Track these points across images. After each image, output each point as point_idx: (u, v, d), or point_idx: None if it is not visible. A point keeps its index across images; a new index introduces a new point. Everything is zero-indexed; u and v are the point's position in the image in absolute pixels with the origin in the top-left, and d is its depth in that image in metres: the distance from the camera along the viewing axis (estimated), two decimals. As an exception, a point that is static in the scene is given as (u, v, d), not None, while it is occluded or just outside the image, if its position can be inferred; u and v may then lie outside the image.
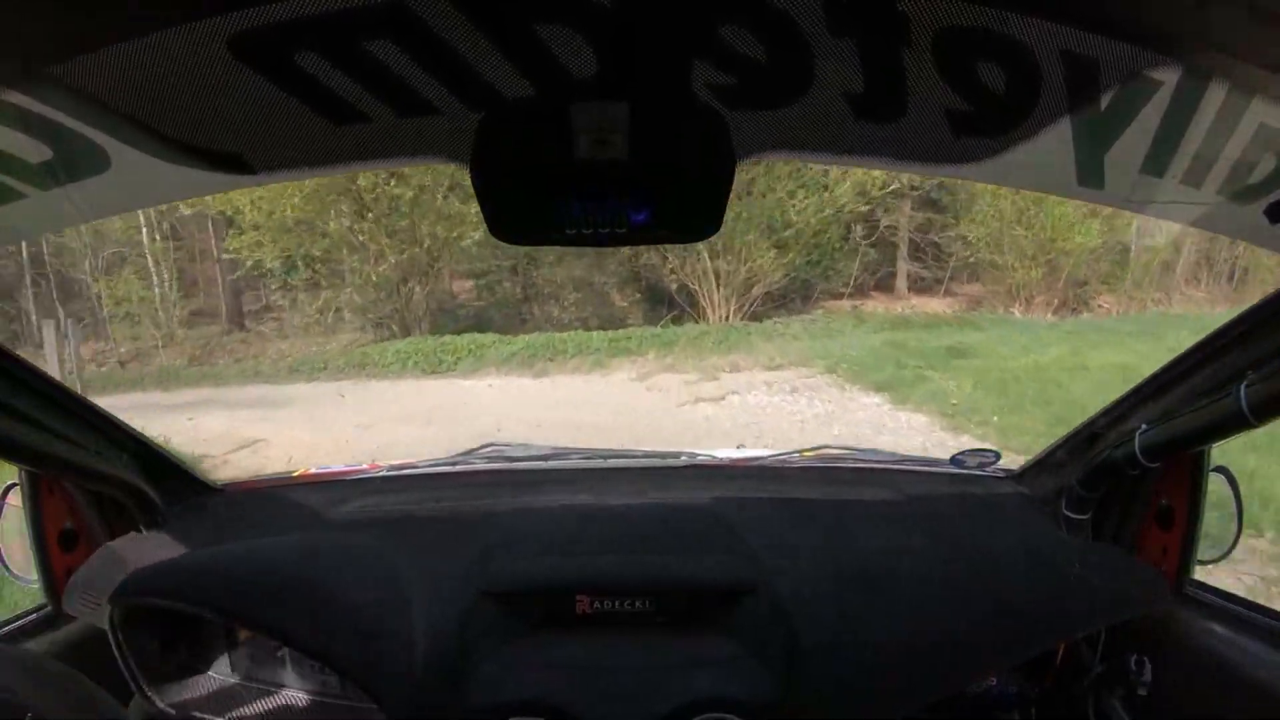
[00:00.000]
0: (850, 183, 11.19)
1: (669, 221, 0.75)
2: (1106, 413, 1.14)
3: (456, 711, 0.91)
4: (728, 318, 11.70)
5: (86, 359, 14.19)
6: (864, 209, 12.05)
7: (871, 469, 1.43)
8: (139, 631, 1.01)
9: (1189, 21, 0.52)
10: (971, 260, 12.86)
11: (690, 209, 0.75)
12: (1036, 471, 1.31)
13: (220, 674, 1.11)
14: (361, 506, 1.29)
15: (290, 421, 7.47)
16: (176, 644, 1.10)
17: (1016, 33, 0.55)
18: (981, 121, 0.65)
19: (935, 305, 13.04)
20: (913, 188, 12.22)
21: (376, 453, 4.95)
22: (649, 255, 12.23)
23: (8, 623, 1.10)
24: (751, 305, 11.88)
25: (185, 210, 12.81)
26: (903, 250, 13.54)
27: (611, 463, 1.49)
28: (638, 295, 13.96)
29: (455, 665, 0.94)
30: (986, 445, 1.71)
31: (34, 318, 14.59)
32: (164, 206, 11.98)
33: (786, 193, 11.24)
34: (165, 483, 1.21)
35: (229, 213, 11.73)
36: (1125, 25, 0.53)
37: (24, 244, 14.26)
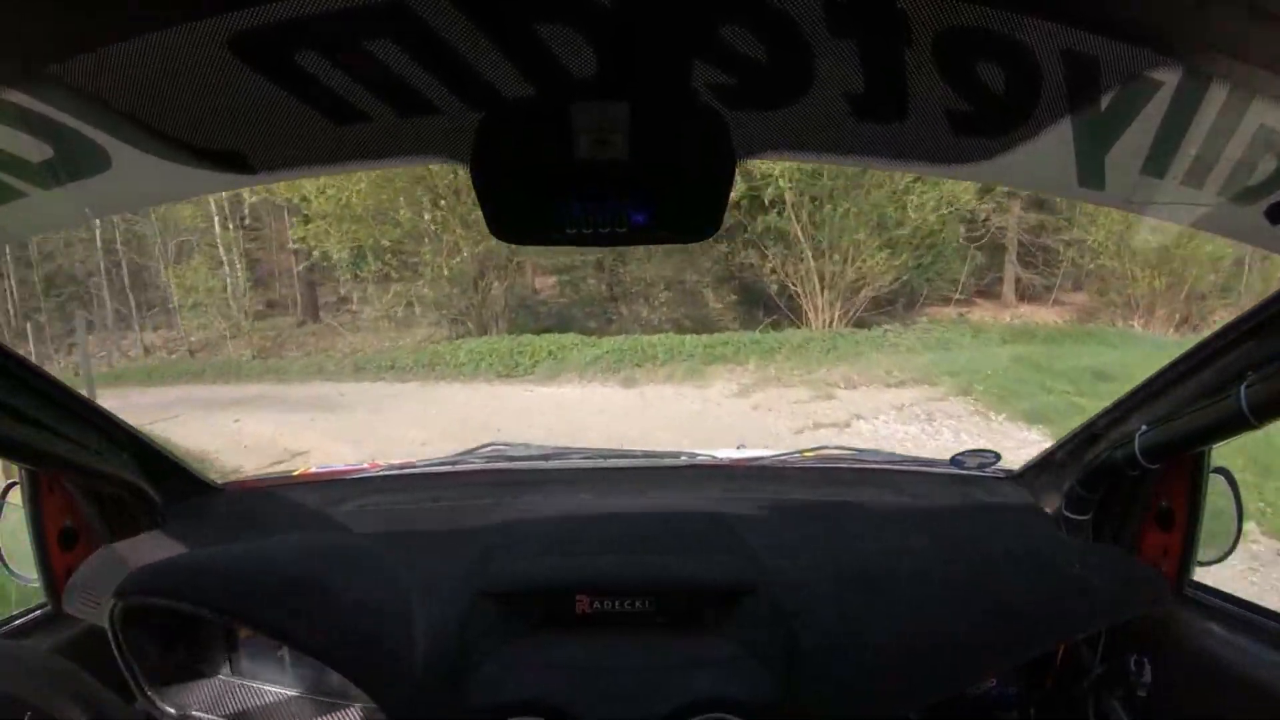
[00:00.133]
0: (969, 176, 10.52)
1: (669, 221, 0.75)
2: (1107, 413, 1.14)
3: (456, 711, 0.91)
4: (831, 324, 10.73)
5: (158, 346, 14.33)
6: (986, 206, 11.17)
7: (871, 469, 1.43)
8: (139, 631, 1.01)
9: (1189, 22, 0.52)
10: (1090, 267, 11.82)
11: (690, 209, 0.75)
12: (1036, 472, 1.30)
13: (220, 674, 1.11)
14: (361, 506, 1.29)
15: (342, 430, 6.88)
16: (176, 643, 1.10)
17: (1017, 33, 0.55)
18: (982, 122, 0.65)
19: (1044, 315, 12.09)
20: (1027, 185, 11.54)
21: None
22: (747, 253, 11.47)
23: (8, 621, 1.10)
24: (856, 310, 10.93)
25: (252, 197, 12.43)
26: (1011, 254, 12.55)
27: (611, 463, 1.49)
28: (733, 296, 13.00)
29: (455, 665, 0.94)
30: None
31: (108, 303, 14.70)
32: (236, 193, 11.72)
33: (902, 186, 10.17)
34: (165, 482, 1.21)
35: (295, 200, 11.12)
36: (1126, 25, 0.53)
37: (98, 230, 14.34)
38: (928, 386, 7.41)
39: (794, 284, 11.05)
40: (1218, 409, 0.88)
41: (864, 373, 8.07)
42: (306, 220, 11.13)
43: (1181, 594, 1.08)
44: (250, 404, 8.56)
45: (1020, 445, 5.51)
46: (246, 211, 13.65)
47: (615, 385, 8.50)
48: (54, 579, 1.11)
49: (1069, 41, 0.55)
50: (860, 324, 10.65)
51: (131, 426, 1.16)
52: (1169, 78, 0.56)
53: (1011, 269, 12.68)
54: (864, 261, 10.52)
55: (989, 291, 12.97)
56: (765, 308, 11.89)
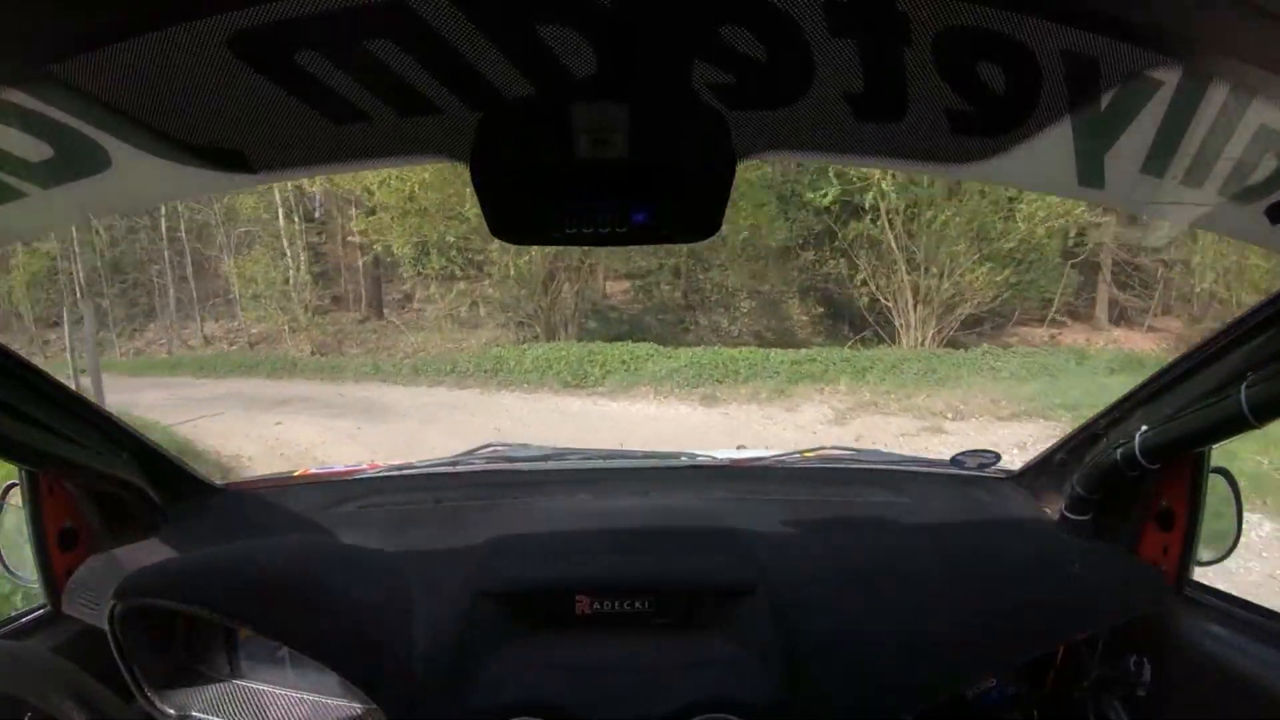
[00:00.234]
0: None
1: (669, 221, 0.75)
2: (1107, 414, 1.14)
3: (456, 712, 0.91)
4: (923, 342, 9.87)
5: (218, 336, 14.27)
6: (1101, 219, 10.05)
7: (871, 469, 1.43)
8: (139, 632, 1.01)
9: (1189, 22, 0.52)
10: (1196, 290, 10.58)
11: (690, 209, 0.75)
12: (1037, 472, 1.30)
13: (220, 674, 1.11)
14: (361, 506, 1.29)
15: (386, 444, 6.26)
16: (176, 644, 1.10)
17: (1016, 33, 0.55)
18: (982, 121, 0.65)
19: (1139, 341, 11.10)
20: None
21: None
22: (836, 263, 10.85)
23: (8, 622, 1.10)
24: (950, 329, 10.06)
25: (314, 187, 12.01)
26: (1105, 273, 11.47)
27: (611, 463, 1.49)
28: (818, 308, 12.15)
29: (455, 665, 0.94)
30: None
31: (171, 292, 14.76)
32: (300, 184, 11.45)
33: (1008, 195, 9.25)
34: (165, 482, 1.21)
35: (358, 192, 10.74)
36: (1125, 25, 0.53)
37: (162, 220, 14.40)
38: (1043, 421, 6.52)
39: (885, 298, 10.16)
40: (1218, 409, 0.88)
41: (968, 401, 7.11)
42: (371, 212, 10.66)
43: (1181, 594, 1.08)
44: (297, 405, 8.30)
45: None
46: (319, 203, 13.37)
47: (694, 403, 7.64)
48: (54, 579, 1.11)
49: (1069, 41, 0.55)
50: (952, 343, 9.84)
51: (131, 427, 1.16)
52: (1169, 77, 0.56)
53: (1105, 289, 11.65)
54: (962, 276, 9.61)
55: (1079, 313, 12.12)
56: (851, 322, 11.19)
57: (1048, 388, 7.44)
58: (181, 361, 13.03)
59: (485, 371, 9.46)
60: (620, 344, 9.62)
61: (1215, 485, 1.07)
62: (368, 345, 12.41)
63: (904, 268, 9.81)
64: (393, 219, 10.20)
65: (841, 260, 10.74)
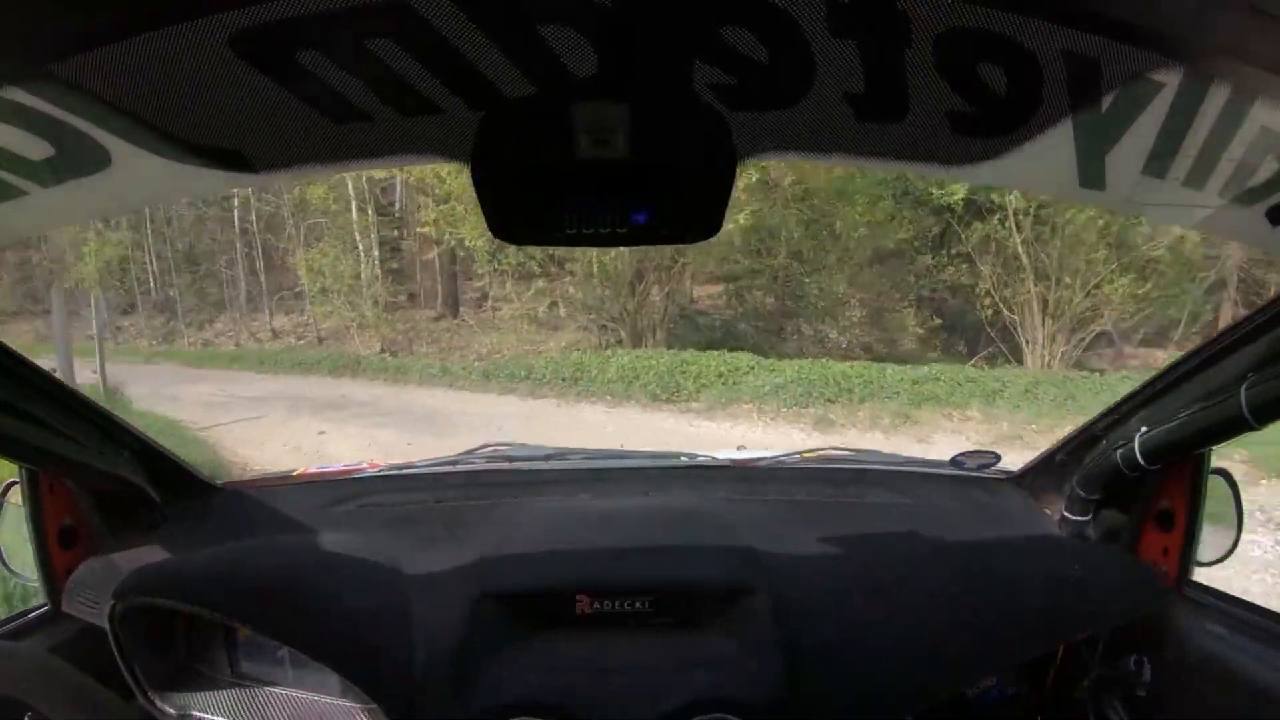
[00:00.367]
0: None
1: (669, 222, 0.75)
2: (1107, 415, 1.14)
3: (457, 712, 0.91)
4: (1050, 362, 8.78)
5: (287, 330, 14.06)
6: None
7: (871, 470, 1.43)
8: (139, 631, 1.01)
9: (1190, 23, 0.52)
10: None
11: (690, 209, 0.75)
12: (1037, 473, 1.30)
13: (220, 674, 1.11)
14: (361, 506, 1.29)
15: None
16: (176, 644, 1.10)
17: (1018, 34, 0.55)
18: (983, 122, 0.65)
19: None
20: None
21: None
22: (957, 270, 9.77)
23: (8, 621, 1.10)
24: (1078, 348, 8.98)
25: (391, 176, 11.62)
26: (1230, 288, 10.03)
27: (611, 463, 1.49)
28: (936, 319, 10.94)
29: (455, 665, 0.94)
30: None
31: (242, 284, 14.67)
32: (373, 175, 10.95)
33: None
34: (165, 481, 1.21)
35: (430, 179, 9.95)
36: (1127, 26, 0.53)
37: (234, 209, 14.23)
38: (1230, 462, 5.02)
39: (1011, 310, 9.00)
40: (1218, 410, 0.88)
41: None
42: (444, 200, 9.73)
43: (1181, 594, 1.08)
44: (349, 410, 7.72)
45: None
46: (400, 194, 12.83)
47: (806, 426, 6.62)
48: (54, 579, 1.11)
49: (1070, 42, 0.55)
50: (1077, 365, 8.79)
51: (132, 426, 1.16)
52: (1170, 79, 0.56)
53: (1229, 308, 10.11)
54: (1099, 288, 8.39)
55: (1201, 333, 10.70)
56: (966, 337, 10.13)
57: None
58: (243, 354, 12.68)
59: (564, 380, 8.43)
60: (715, 353, 8.53)
61: (1215, 486, 1.08)
62: (439, 345, 11.84)
63: (1031, 278, 8.72)
64: (466, 209, 9.27)
65: (963, 266, 9.60)
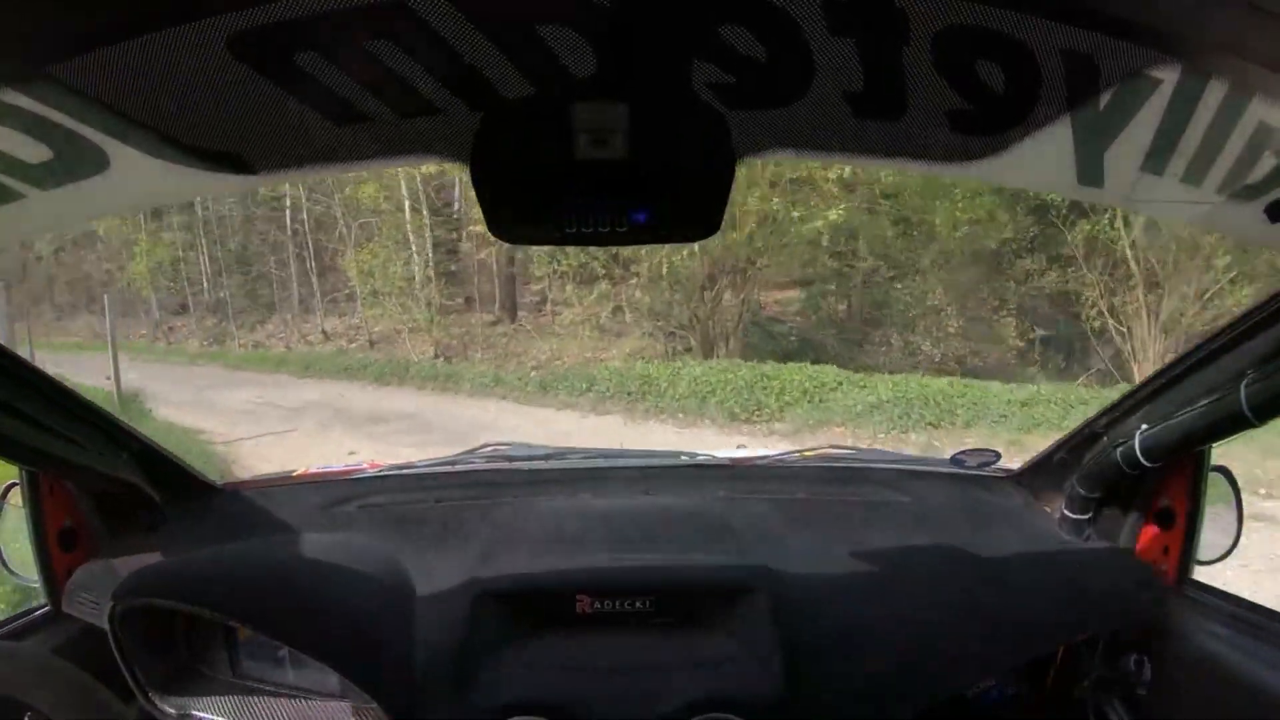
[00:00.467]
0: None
1: (669, 221, 0.75)
2: (1107, 413, 1.14)
3: (457, 711, 0.91)
4: None
5: (339, 333, 13.62)
6: None
7: (872, 469, 1.43)
8: (139, 631, 1.01)
9: (1188, 19, 0.52)
10: None
11: (690, 209, 0.75)
12: (1037, 472, 1.30)
13: (220, 674, 1.11)
14: (361, 506, 1.29)
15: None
16: (176, 644, 1.10)
17: (1016, 31, 0.55)
18: (981, 120, 0.65)
19: None
20: None
21: None
22: (1062, 274, 8.71)
23: (8, 622, 1.10)
24: None
25: (433, 174, 11.12)
26: None
27: (611, 462, 1.49)
28: (1037, 331, 9.76)
29: (455, 665, 0.94)
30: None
31: (294, 285, 14.44)
32: (428, 173, 10.61)
33: None
34: (165, 482, 1.21)
35: None
36: (1125, 24, 0.53)
37: (287, 215, 14.01)
38: None
39: (1119, 321, 7.95)
40: (1218, 408, 0.88)
41: (1273, 470, 5.01)
42: None
43: (1181, 593, 1.08)
44: (389, 425, 7.16)
45: None
46: (458, 196, 12.29)
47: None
48: (54, 579, 1.11)
49: (1068, 40, 0.55)
50: None
51: (132, 427, 1.16)
52: (1168, 76, 0.56)
53: None
54: (1225, 299, 7.25)
55: None
56: (1069, 349, 9.09)
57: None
58: (289, 358, 12.21)
59: (629, 394, 7.49)
60: (796, 366, 7.57)
61: (1215, 484, 1.07)
62: (495, 350, 11.18)
63: (1141, 286, 7.75)
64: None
65: (1067, 271, 8.50)
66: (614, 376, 8.07)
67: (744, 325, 9.41)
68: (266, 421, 7.55)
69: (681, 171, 0.71)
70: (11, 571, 1.14)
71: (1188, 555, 1.08)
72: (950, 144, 0.69)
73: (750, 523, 1.16)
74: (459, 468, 1.42)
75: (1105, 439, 1.13)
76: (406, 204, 12.04)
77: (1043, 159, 0.68)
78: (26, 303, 13.94)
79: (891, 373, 7.75)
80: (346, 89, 0.61)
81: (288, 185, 13.28)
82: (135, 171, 0.68)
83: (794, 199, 8.50)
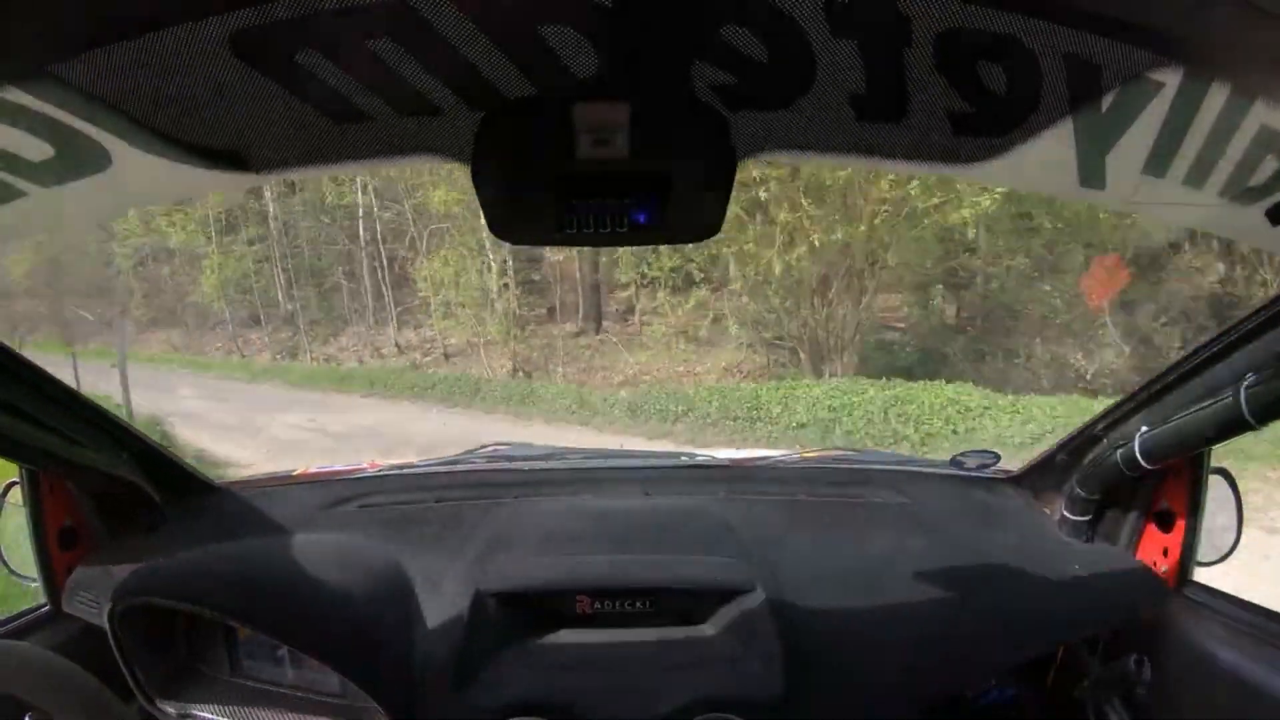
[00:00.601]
0: None
1: (670, 221, 0.75)
2: (1106, 415, 1.14)
3: (456, 711, 0.91)
4: None
5: (413, 345, 13.14)
6: None
7: (872, 469, 1.43)
8: (139, 631, 1.01)
9: (1190, 22, 0.52)
10: None
11: (691, 209, 0.75)
12: (1036, 473, 1.31)
13: (220, 674, 1.11)
14: (361, 506, 1.29)
15: None
16: (176, 643, 1.10)
17: (1018, 33, 0.55)
18: (983, 122, 0.65)
19: None
20: None
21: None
22: (1234, 274, 7.37)
23: (8, 621, 1.10)
24: None
25: None
26: None
27: (611, 463, 1.49)
28: (1193, 336, 7.44)
29: (455, 664, 0.94)
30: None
31: (367, 297, 14.12)
32: None
33: None
34: (165, 481, 1.21)
35: None
36: (1127, 26, 0.53)
37: (360, 224, 13.60)
38: None
39: None
40: (1217, 410, 0.88)
41: None
42: None
43: (1181, 594, 1.08)
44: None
45: None
46: None
47: None
48: (54, 579, 1.11)
49: (1070, 42, 0.55)
50: None
51: (132, 426, 1.16)
52: (1170, 78, 0.56)
53: None
54: None
55: None
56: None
57: None
58: (354, 374, 11.49)
59: (736, 419, 6.16)
60: (930, 385, 6.14)
61: (1215, 486, 1.08)
62: (578, 364, 10.35)
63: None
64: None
65: (1237, 266, 7.24)
66: (714, 397, 6.77)
67: (861, 335, 8.01)
68: (309, 451, 6.84)
69: (683, 172, 0.71)
70: (11, 570, 1.14)
71: (1187, 557, 1.08)
72: (952, 146, 0.69)
73: (750, 524, 1.16)
74: (459, 468, 1.42)
75: (1105, 441, 1.13)
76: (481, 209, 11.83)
77: (1044, 161, 0.68)
78: (119, 319, 13.72)
79: (1038, 392, 6.52)
80: (348, 88, 0.61)
81: (359, 192, 13.11)
82: (137, 170, 0.68)
83: (929, 183, 6.68)
